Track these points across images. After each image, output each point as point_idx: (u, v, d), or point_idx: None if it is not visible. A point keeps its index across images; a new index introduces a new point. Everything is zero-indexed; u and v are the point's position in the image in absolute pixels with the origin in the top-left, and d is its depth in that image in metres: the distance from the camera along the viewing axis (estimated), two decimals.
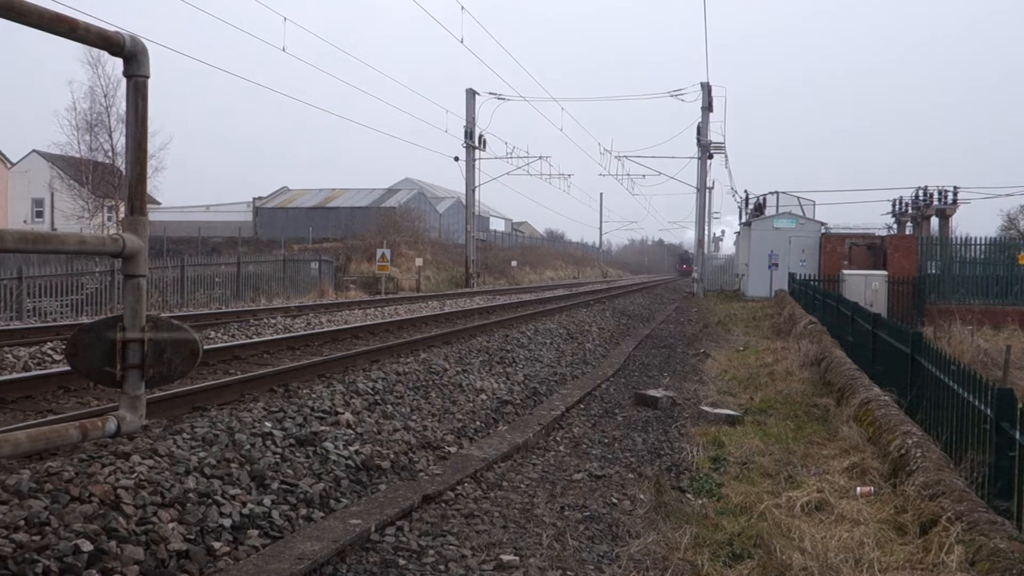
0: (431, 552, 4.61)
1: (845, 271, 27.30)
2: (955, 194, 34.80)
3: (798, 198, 40.42)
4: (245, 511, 4.54)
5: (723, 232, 72.84)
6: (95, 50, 4.31)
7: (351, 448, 5.91)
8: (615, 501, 6.00)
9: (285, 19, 21.12)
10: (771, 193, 40.63)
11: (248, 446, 5.29)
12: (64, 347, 7.76)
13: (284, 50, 21.70)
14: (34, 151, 47.20)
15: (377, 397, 7.28)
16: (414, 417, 7.21)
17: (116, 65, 3.89)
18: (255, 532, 4.42)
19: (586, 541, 5.11)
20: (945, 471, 5.71)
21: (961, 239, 29.53)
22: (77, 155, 36.67)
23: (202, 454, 4.92)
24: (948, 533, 4.67)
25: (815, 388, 10.54)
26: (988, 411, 5.64)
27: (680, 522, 5.43)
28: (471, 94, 36.37)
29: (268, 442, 5.48)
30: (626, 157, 41.40)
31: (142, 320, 4.20)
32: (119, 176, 34.27)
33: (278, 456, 5.35)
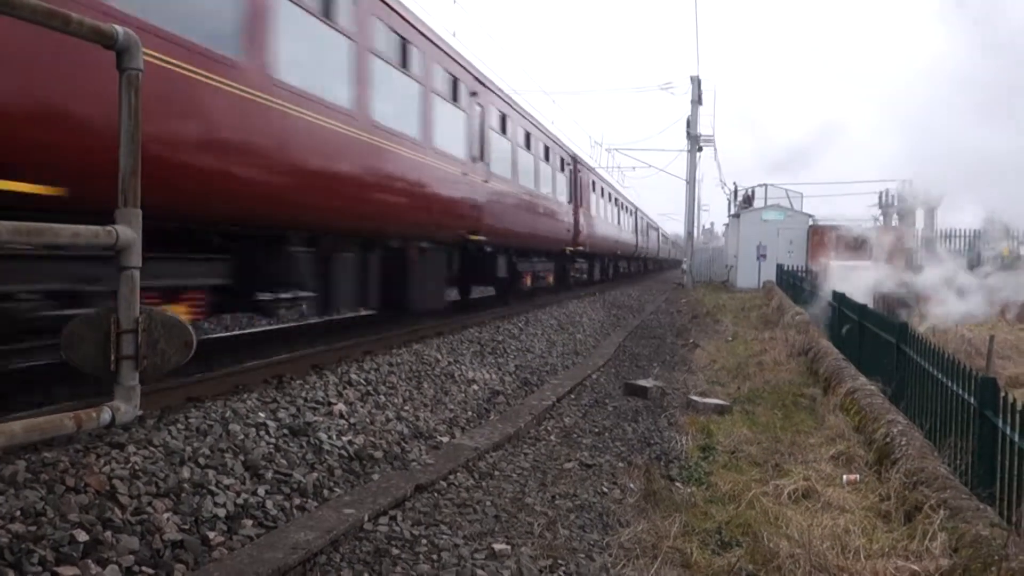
0: (424, 541, 4.66)
1: (832, 262, 27.44)
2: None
3: (786, 190, 40.59)
4: (239, 501, 4.58)
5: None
6: None
7: (344, 438, 5.95)
8: (605, 490, 6.07)
9: None
10: (760, 185, 40.81)
11: (242, 436, 5.32)
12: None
13: None
14: None
15: (370, 388, 7.32)
16: (407, 407, 7.25)
17: None
18: (249, 522, 4.46)
19: (577, 530, 5.18)
20: (929, 459, 5.81)
21: (945, 231, 29.72)
22: None
23: (196, 444, 4.95)
24: (932, 520, 4.77)
25: (802, 378, 10.66)
26: (971, 399, 5.74)
27: (670, 510, 5.50)
28: None
29: (262, 432, 5.52)
30: (616, 150, 41.36)
31: (135, 311, 4.24)
32: None
33: (272, 446, 5.38)
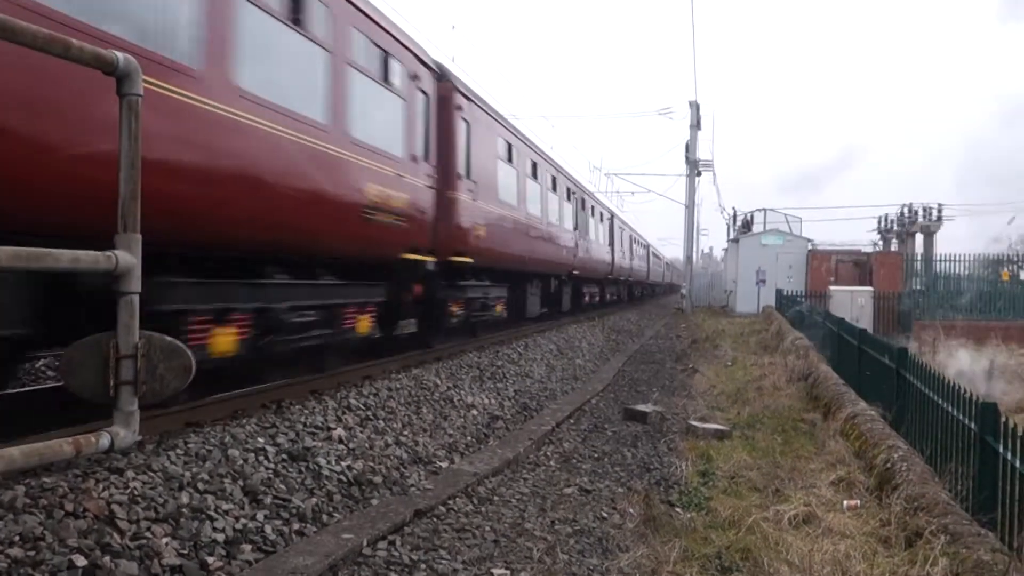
0: (423, 566, 4.64)
1: (832, 287, 27.53)
2: (939, 211, 35.20)
3: (785, 215, 40.75)
4: (238, 526, 4.56)
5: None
6: None
7: (343, 463, 5.93)
8: (605, 515, 6.05)
9: None
10: (759, 210, 40.96)
11: (241, 461, 5.31)
12: (58, 363, 7.74)
13: None
14: None
15: (369, 413, 7.30)
16: (406, 432, 7.24)
17: None
18: (248, 547, 4.44)
19: (576, 555, 5.15)
20: (929, 484, 5.79)
21: (945, 256, 29.86)
22: None
23: (195, 469, 4.94)
24: (932, 546, 4.75)
25: (802, 403, 10.63)
26: (972, 425, 5.73)
27: (669, 536, 5.48)
28: None
29: (261, 457, 5.50)
30: (615, 175, 41.43)
31: (135, 337, 4.24)
32: None
33: (271, 471, 5.37)
